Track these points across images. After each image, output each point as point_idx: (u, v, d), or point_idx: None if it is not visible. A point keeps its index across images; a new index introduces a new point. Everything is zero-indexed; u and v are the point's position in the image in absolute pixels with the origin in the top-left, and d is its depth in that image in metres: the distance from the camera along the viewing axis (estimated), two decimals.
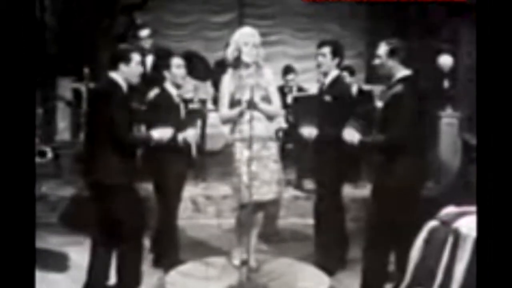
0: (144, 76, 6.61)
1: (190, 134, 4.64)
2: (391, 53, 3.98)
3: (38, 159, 6.89)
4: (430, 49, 7.58)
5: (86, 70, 7.14)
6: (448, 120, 6.77)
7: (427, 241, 3.75)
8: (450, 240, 3.56)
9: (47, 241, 5.45)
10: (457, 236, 3.52)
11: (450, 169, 6.59)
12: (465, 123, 6.72)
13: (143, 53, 6.83)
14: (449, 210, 3.80)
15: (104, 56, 7.81)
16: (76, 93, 7.56)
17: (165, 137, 4.19)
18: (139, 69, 4.11)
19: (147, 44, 6.86)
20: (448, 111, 6.78)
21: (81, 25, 8.13)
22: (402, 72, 3.98)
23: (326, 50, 4.68)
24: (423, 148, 4.11)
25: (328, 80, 4.73)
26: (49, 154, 7.01)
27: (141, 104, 5.09)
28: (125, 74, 4.01)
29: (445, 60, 6.76)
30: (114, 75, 4.01)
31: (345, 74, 6.63)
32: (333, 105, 4.62)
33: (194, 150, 4.69)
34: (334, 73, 4.74)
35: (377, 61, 4.06)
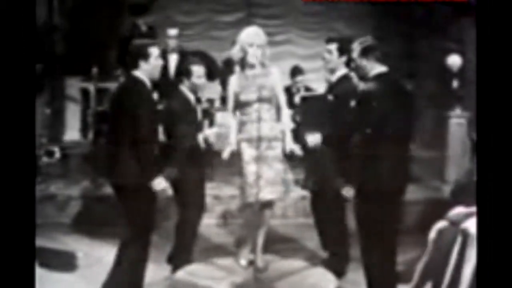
0: (166, 74, 6.72)
1: (210, 133, 4.48)
2: (364, 52, 3.93)
3: (46, 159, 6.94)
4: (438, 49, 7.55)
5: (94, 70, 7.18)
6: (457, 120, 6.73)
7: (435, 242, 3.73)
8: (458, 241, 3.55)
9: (55, 241, 5.47)
10: (466, 237, 3.51)
11: (459, 169, 6.55)
12: (474, 123, 6.68)
13: (166, 51, 6.94)
14: (458, 210, 3.78)
15: (112, 56, 7.88)
16: (84, 92, 7.58)
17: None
18: (160, 63, 4.00)
19: (173, 43, 6.93)
20: (457, 111, 6.74)
21: (89, 25, 8.17)
22: (377, 69, 3.92)
23: (333, 47, 4.62)
24: (401, 145, 3.96)
25: (334, 78, 4.67)
26: (57, 154, 7.04)
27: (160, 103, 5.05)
28: (146, 71, 3.92)
29: (454, 60, 6.72)
30: (137, 73, 3.92)
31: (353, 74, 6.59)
32: (336, 104, 4.56)
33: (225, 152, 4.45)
34: (342, 71, 4.67)
35: (353, 64, 4.03)
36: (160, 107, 4.86)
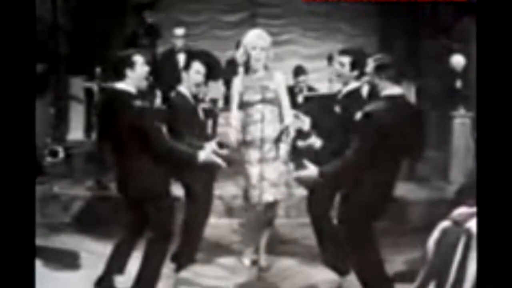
0: (175, 74, 6.73)
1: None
2: (377, 70, 3.71)
3: (49, 159, 6.96)
4: (442, 48, 7.54)
5: (98, 70, 7.18)
6: (461, 120, 6.73)
7: (439, 242, 3.73)
8: (462, 240, 3.55)
9: (58, 240, 5.48)
10: (469, 237, 3.51)
11: (463, 169, 6.54)
12: None
13: (174, 50, 6.95)
14: (462, 210, 3.77)
15: (116, 55, 7.90)
16: (88, 92, 7.59)
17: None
18: (145, 70, 3.92)
19: (180, 43, 6.95)
20: (461, 111, 6.74)
21: (93, 24, 8.18)
22: (389, 90, 3.70)
23: (346, 60, 4.34)
24: (393, 165, 3.77)
25: (346, 89, 4.41)
26: (61, 154, 7.05)
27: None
28: (132, 80, 3.86)
29: (458, 60, 6.71)
30: (119, 85, 3.86)
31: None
32: (342, 117, 4.31)
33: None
34: (352, 85, 4.39)
35: (365, 79, 3.87)
36: (164, 107, 4.88)
